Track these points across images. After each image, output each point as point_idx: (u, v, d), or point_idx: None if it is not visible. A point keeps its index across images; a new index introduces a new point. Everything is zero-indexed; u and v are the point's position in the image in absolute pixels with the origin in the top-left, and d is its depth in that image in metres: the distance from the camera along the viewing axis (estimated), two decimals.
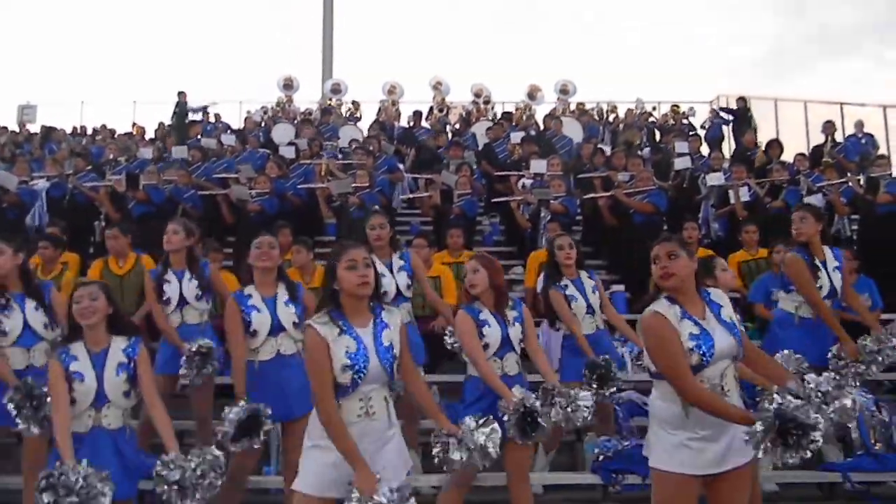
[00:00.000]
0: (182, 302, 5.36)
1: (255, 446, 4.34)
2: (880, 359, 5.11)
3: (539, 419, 4.04)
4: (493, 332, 4.29)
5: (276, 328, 4.57)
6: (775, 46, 46.32)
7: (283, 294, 4.66)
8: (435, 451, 3.69)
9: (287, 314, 4.60)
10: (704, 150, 13.69)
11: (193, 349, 5.08)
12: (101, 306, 3.79)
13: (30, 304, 4.72)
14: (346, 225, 9.15)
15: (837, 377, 3.70)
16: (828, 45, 46.24)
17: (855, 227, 9.59)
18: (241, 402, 4.28)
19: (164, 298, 5.36)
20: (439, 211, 10.06)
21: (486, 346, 4.27)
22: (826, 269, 5.28)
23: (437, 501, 4.51)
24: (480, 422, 3.66)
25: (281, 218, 8.59)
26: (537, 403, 4.07)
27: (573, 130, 14.43)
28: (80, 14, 43.07)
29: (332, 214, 10.08)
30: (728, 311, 3.40)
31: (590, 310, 5.51)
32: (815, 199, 9.35)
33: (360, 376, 3.20)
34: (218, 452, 3.68)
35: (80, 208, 9.94)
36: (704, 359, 3.22)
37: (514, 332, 4.34)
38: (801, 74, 44.61)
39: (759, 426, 2.96)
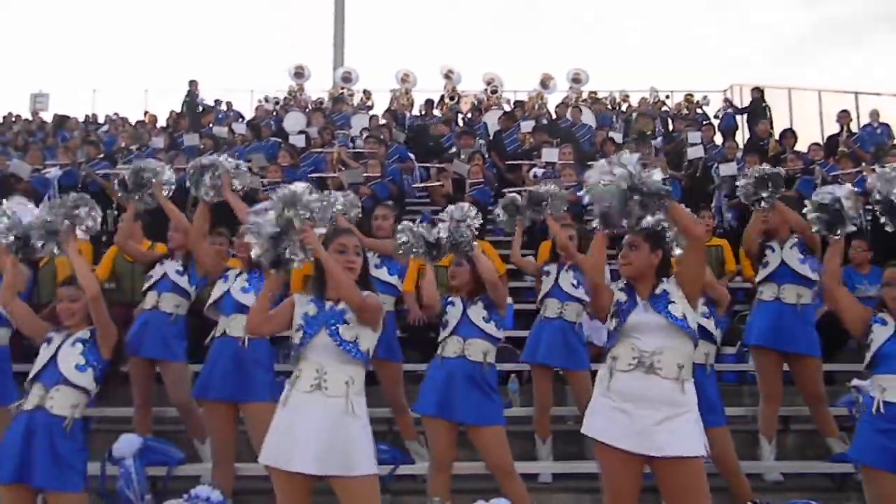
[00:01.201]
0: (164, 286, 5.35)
1: None
2: None
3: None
4: (455, 311, 4.46)
5: (225, 304, 4.76)
6: (789, 35, 45.95)
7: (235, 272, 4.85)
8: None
9: (237, 294, 4.73)
10: (718, 139, 13.60)
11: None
12: (80, 307, 3.89)
13: None
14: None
15: None
16: (842, 34, 45.82)
17: (869, 217, 9.50)
18: None
19: (148, 274, 5.40)
20: (451, 200, 10.03)
21: (445, 324, 4.47)
22: (782, 251, 5.47)
23: (428, 489, 4.59)
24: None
25: None
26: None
27: (585, 119, 14.36)
28: (93, 3, 43.14)
29: None
30: (679, 308, 3.51)
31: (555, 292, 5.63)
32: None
33: (306, 338, 3.38)
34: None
35: (93, 196, 9.91)
36: (620, 320, 3.52)
37: (475, 310, 4.45)
38: (815, 64, 44.24)
39: None
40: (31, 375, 3.82)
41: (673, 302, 3.52)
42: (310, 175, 10.46)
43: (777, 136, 12.27)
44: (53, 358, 3.79)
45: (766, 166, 5.49)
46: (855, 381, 5.86)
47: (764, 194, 5.27)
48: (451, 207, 4.77)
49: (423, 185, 11.17)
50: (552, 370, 5.69)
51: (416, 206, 11.49)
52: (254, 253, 3.39)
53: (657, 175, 3.33)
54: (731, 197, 9.86)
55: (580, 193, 5.15)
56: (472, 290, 4.52)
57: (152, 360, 5.34)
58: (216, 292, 4.86)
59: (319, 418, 3.29)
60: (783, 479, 5.41)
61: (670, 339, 3.47)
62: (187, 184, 5.09)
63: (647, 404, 3.38)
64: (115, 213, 9.59)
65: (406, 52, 37.08)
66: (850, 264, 7.16)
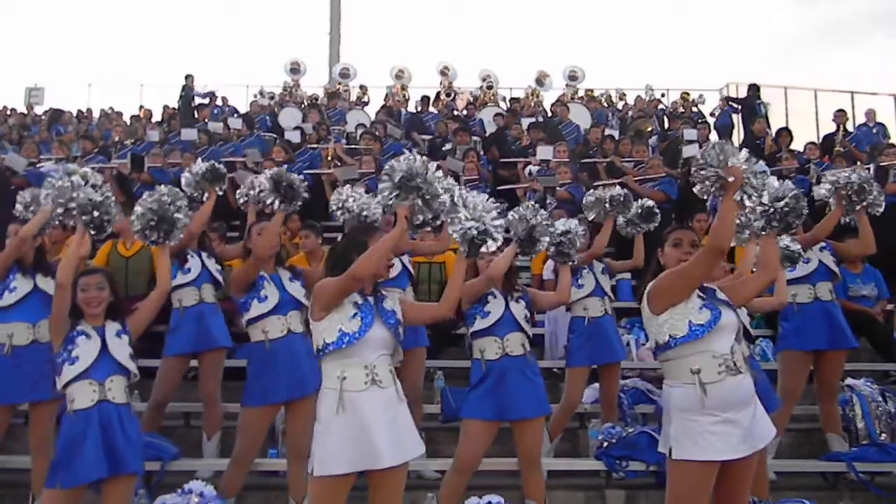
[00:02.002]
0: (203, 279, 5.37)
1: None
2: None
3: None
4: (496, 303, 4.43)
5: (286, 303, 4.63)
6: (786, 35, 46.02)
7: (285, 273, 4.76)
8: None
9: (295, 289, 4.69)
10: (714, 137, 13.61)
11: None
12: (107, 296, 3.90)
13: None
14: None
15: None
16: (839, 33, 45.90)
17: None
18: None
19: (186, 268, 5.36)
20: None
21: (487, 314, 4.42)
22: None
23: (441, 486, 4.55)
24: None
25: None
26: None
27: (581, 117, 14.36)
28: None
29: None
30: (722, 295, 3.46)
31: (598, 292, 5.64)
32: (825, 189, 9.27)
33: (355, 339, 3.34)
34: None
35: None
36: (713, 317, 3.29)
37: (518, 308, 4.45)
38: (811, 63, 44.31)
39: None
40: (73, 375, 3.76)
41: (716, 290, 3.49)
42: (305, 171, 10.44)
43: (772, 135, 12.29)
44: (103, 352, 3.79)
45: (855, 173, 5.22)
46: (849, 381, 5.89)
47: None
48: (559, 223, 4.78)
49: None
50: (587, 371, 5.73)
51: None
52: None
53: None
54: None
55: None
56: (507, 283, 4.52)
57: (190, 357, 5.39)
58: (266, 304, 4.64)
59: (383, 408, 3.33)
60: (776, 478, 5.41)
61: (734, 330, 3.41)
62: (183, 182, 5.12)
63: (743, 405, 3.32)
64: None
65: (402, 49, 36.99)
66: (843, 263, 7.17)
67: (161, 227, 4.05)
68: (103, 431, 3.69)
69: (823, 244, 5.44)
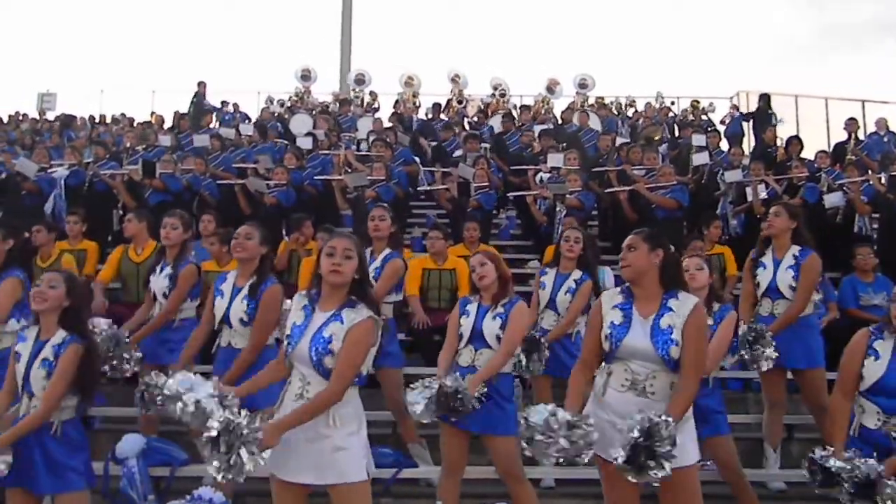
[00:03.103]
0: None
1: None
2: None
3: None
4: (467, 322, 4.45)
5: (225, 319, 4.61)
6: (797, 43, 45.91)
7: (246, 288, 4.58)
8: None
9: (237, 308, 4.55)
10: (724, 145, 13.58)
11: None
12: (56, 295, 3.81)
13: None
14: (361, 217, 9.16)
15: None
16: (850, 42, 45.75)
17: (875, 226, 9.49)
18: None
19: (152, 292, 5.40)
20: (456, 204, 10.05)
21: (459, 336, 4.46)
22: (776, 267, 5.33)
23: (437, 493, 4.57)
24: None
25: (297, 209, 8.60)
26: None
27: (592, 124, 14.36)
28: (101, 3, 43.30)
29: (349, 206, 10.09)
30: (670, 321, 3.42)
31: (551, 304, 5.67)
32: (836, 197, 9.26)
33: (289, 348, 3.35)
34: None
35: (99, 197, 9.99)
36: (612, 347, 3.47)
37: (491, 325, 4.40)
38: (822, 71, 44.18)
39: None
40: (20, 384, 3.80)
41: (675, 343, 3.40)
42: (316, 177, 10.49)
43: (783, 144, 12.26)
44: (28, 369, 3.76)
45: None
46: None
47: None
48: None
49: (428, 188, 11.17)
50: (550, 379, 5.69)
51: (421, 209, 11.52)
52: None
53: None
54: (736, 204, 9.85)
55: None
56: (497, 295, 4.48)
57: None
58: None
59: (306, 428, 3.22)
60: (787, 487, 5.39)
61: (663, 366, 3.42)
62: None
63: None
64: (121, 213, 9.61)
65: (413, 56, 37.16)
66: (855, 272, 7.15)
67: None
68: (21, 444, 3.67)
69: (793, 261, 5.32)
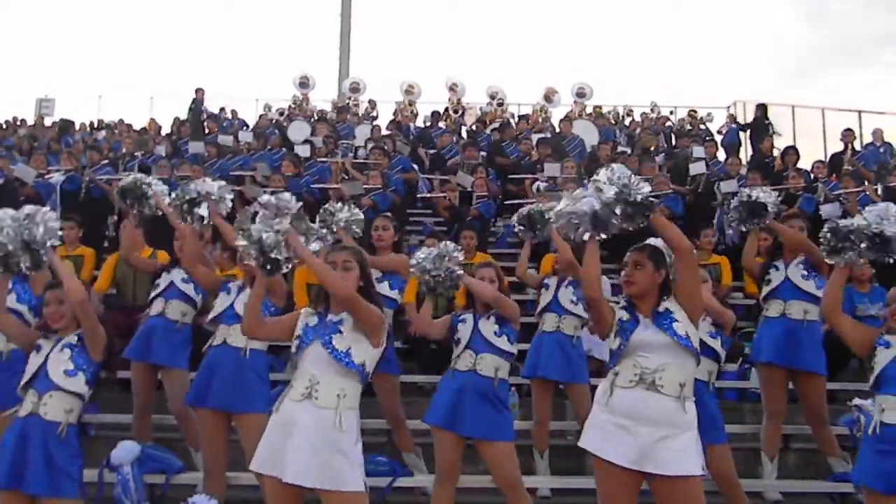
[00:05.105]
0: (171, 294, 5.38)
1: None
2: None
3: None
4: (465, 328, 4.48)
5: (226, 315, 4.68)
6: (794, 53, 46.09)
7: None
8: None
9: (243, 299, 4.56)
10: (721, 155, 13.59)
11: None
12: (68, 310, 3.83)
13: None
14: None
15: None
16: (847, 53, 45.93)
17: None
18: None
19: (156, 282, 5.45)
20: (454, 212, 10.05)
21: (457, 341, 4.49)
22: (786, 267, 5.50)
23: (430, 502, 4.56)
24: None
25: None
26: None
27: (589, 133, 14.37)
28: (99, 9, 43.37)
29: None
30: (667, 305, 3.56)
31: (553, 305, 5.73)
32: (833, 208, 9.27)
33: (301, 347, 3.40)
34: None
35: (95, 202, 9.99)
36: (623, 340, 3.51)
37: (487, 324, 4.45)
38: (819, 82, 44.34)
39: None
40: (22, 382, 3.78)
41: (676, 320, 3.52)
42: (313, 185, 10.48)
43: (780, 154, 12.27)
44: (44, 365, 3.75)
45: (747, 192, 5.59)
46: (856, 401, 5.83)
47: (754, 220, 5.40)
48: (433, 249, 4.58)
49: (427, 195, 11.17)
50: (552, 384, 5.69)
51: (419, 217, 11.52)
52: (244, 256, 3.42)
53: (646, 188, 3.37)
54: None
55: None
56: (487, 305, 4.51)
57: (155, 367, 5.35)
58: (219, 306, 4.79)
59: (310, 428, 3.27)
60: (782, 498, 5.38)
61: (673, 357, 3.46)
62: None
63: (647, 421, 3.37)
64: (117, 219, 9.60)
65: (411, 64, 37.23)
66: (851, 282, 7.14)
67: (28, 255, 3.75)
68: (19, 442, 3.65)
69: (803, 259, 5.48)
